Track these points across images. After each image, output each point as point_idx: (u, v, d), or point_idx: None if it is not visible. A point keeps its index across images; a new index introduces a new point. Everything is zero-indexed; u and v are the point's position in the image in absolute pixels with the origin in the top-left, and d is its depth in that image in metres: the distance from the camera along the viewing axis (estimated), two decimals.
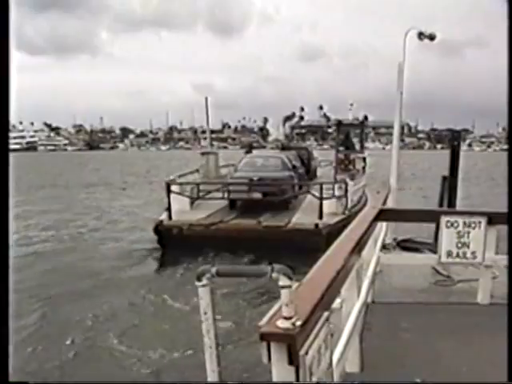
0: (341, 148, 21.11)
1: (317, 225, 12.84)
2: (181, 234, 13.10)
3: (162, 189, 14.91)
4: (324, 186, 14.12)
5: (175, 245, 12.89)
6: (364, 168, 20.64)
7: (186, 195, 14.70)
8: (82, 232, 16.82)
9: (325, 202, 13.69)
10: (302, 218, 13.85)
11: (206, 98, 23.05)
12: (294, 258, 9.45)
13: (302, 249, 10.92)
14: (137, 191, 30.73)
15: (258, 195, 14.75)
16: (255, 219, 13.50)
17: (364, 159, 21.13)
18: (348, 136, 22.02)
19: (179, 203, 14.06)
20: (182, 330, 7.56)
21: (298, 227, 13.05)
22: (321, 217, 13.39)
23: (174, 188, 14.13)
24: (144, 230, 15.33)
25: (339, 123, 23.13)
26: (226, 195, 14.98)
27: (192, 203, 14.84)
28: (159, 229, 13.35)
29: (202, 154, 20.49)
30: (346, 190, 14.35)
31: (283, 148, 21.79)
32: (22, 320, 8.06)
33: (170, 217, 13.58)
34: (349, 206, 14.39)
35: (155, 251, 13.23)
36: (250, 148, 23.26)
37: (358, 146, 21.97)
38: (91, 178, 41.27)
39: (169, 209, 13.66)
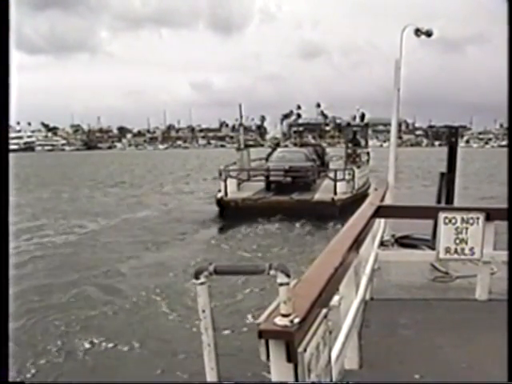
0: (349, 144, 25.75)
1: (333, 199, 17.85)
2: (236, 206, 18.05)
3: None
4: (337, 173, 19.09)
5: (232, 214, 17.62)
6: (368, 160, 25.35)
7: (239, 178, 20.21)
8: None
9: (338, 184, 18.45)
10: (322, 195, 18.89)
11: (240, 105, 29.04)
12: (317, 220, 16.38)
13: (322, 215, 16.64)
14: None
15: (288, 179, 19.92)
16: (288, 196, 18.34)
17: (368, 153, 25.82)
18: (355, 135, 27.02)
19: (231, 186, 18.83)
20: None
21: (319, 200, 18.11)
22: (335, 194, 18.16)
23: (231, 173, 19.54)
24: None
25: (348, 125, 29.32)
26: (266, 179, 20.52)
27: (238, 186, 19.91)
28: (221, 203, 18.31)
29: (238, 149, 24.54)
30: (354, 176, 19.42)
31: (302, 145, 27.19)
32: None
33: (226, 194, 18.41)
34: (356, 187, 19.48)
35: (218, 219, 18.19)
36: (276, 146, 28.35)
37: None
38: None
39: (225, 189, 18.48)
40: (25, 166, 53.65)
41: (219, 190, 18.79)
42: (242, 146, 25.40)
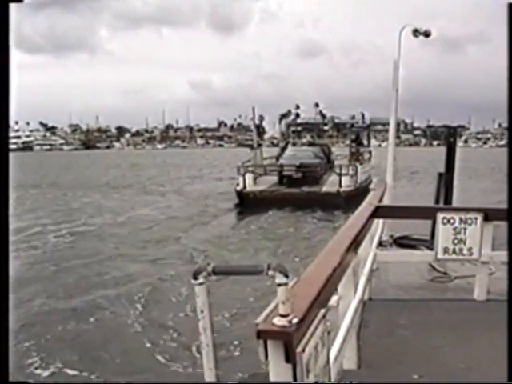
0: (353, 144, 28.80)
1: (338, 191, 20.57)
2: (254, 197, 20.76)
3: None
4: (342, 168, 21.86)
5: (250, 204, 20.16)
6: (370, 158, 27.83)
7: (256, 172, 23.24)
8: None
9: (343, 178, 21.17)
10: (329, 188, 21.51)
11: (253, 108, 32.73)
12: (325, 209, 18.97)
13: (329, 205, 19.15)
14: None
15: (299, 174, 22.55)
16: (299, 189, 21.11)
17: (370, 152, 28.45)
18: (358, 136, 30.37)
19: (248, 180, 21.59)
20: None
21: (327, 192, 20.89)
22: (340, 187, 20.75)
23: (250, 169, 22.78)
24: None
25: (352, 126, 33.50)
26: (280, 174, 23.01)
27: (255, 180, 22.46)
28: (241, 194, 21.07)
29: (251, 148, 27.58)
30: (357, 172, 22.23)
31: (310, 144, 30.09)
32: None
33: (244, 187, 21.19)
34: (358, 181, 22.13)
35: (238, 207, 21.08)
36: (285, 144, 30.66)
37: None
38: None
39: (244, 182, 21.27)
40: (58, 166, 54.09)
41: (237, 184, 21.50)
42: (256, 146, 28.24)
